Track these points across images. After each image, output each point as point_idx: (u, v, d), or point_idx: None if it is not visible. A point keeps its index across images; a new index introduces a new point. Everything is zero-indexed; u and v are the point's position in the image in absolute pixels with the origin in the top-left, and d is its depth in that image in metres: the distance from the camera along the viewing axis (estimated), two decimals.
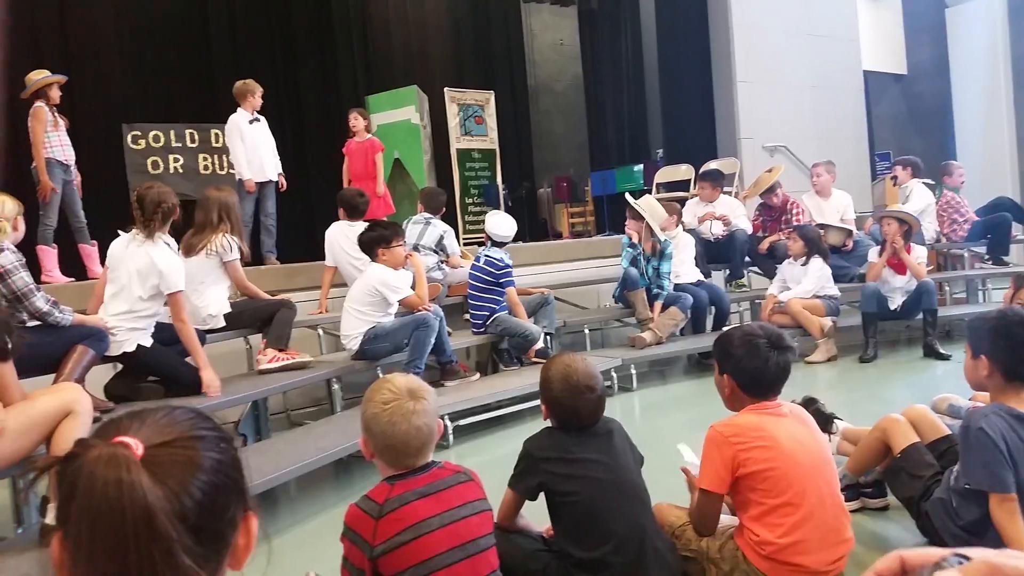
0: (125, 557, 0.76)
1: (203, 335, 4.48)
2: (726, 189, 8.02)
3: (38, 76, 5.91)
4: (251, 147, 6.51)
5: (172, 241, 4.13)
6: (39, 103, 5.83)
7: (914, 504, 2.76)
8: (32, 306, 3.53)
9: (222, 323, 4.67)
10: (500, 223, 5.94)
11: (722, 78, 10.35)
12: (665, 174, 9.59)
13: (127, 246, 4.01)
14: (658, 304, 6.27)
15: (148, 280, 3.94)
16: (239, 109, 6.53)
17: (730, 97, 10.20)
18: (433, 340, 4.93)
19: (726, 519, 2.56)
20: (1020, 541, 2.30)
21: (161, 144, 8.28)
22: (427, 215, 6.40)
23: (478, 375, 5.49)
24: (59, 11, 7.90)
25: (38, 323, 3.59)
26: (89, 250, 5.99)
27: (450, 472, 2.08)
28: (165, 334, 4.15)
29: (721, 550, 2.47)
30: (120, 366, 4.11)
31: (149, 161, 8.23)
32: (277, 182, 6.71)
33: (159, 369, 4.09)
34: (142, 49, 8.36)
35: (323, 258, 5.92)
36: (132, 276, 3.94)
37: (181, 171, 8.38)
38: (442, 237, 6.28)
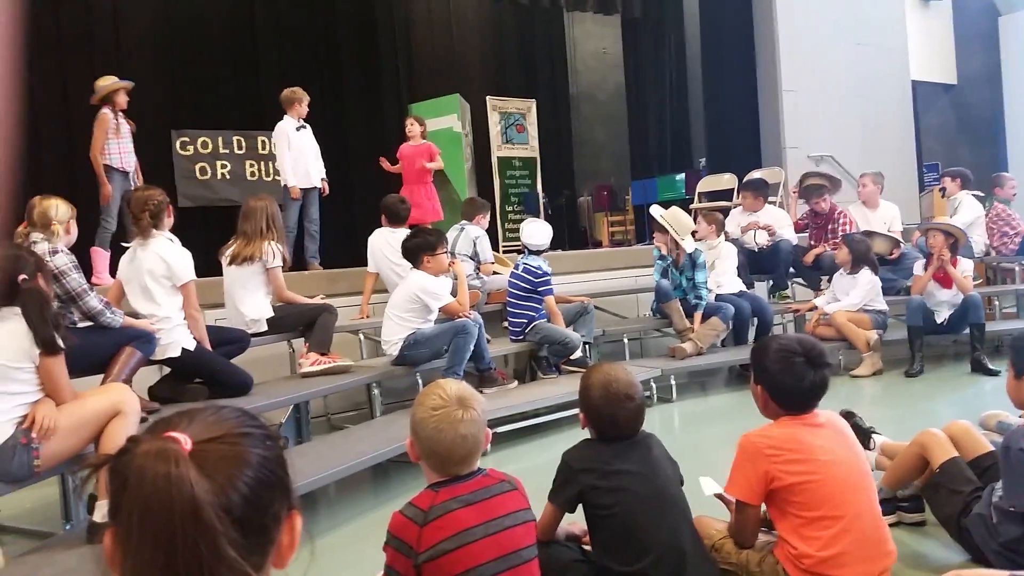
0: (173, 548, 0.79)
1: (247, 338, 4.56)
2: (771, 199, 7.92)
3: (105, 83, 6.10)
4: (297, 154, 6.61)
5: (174, 237, 4.18)
6: (105, 109, 6.03)
7: (953, 521, 2.70)
8: (86, 306, 3.63)
9: (264, 327, 4.75)
10: (534, 231, 5.95)
11: (767, 86, 10.25)
12: (708, 183, 9.51)
13: (134, 254, 4.11)
14: (698, 315, 6.22)
15: (160, 276, 4.02)
16: (286, 116, 6.65)
17: (775, 106, 10.09)
18: (472, 347, 4.96)
19: (765, 535, 2.54)
20: None
21: (209, 150, 8.46)
22: (464, 222, 6.44)
23: (516, 383, 5.49)
24: (112, 18, 8.11)
25: (88, 324, 3.69)
26: None
27: (495, 480, 2.07)
28: (210, 338, 4.24)
29: (761, 564, 2.45)
30: (166, 369, 4.20)
31: (197, 167, 8.40)
32: (320, 188, 6.80)
33: (204, 372, 4.17)
34: (191, 56, 8.54)
35: (365, 264, 5.98)
36: (146, 278, 4.02)
37: (228, 177, 8.55)
38: (475, 243, 6.30)
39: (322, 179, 6.82)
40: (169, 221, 4.20)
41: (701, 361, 6.09)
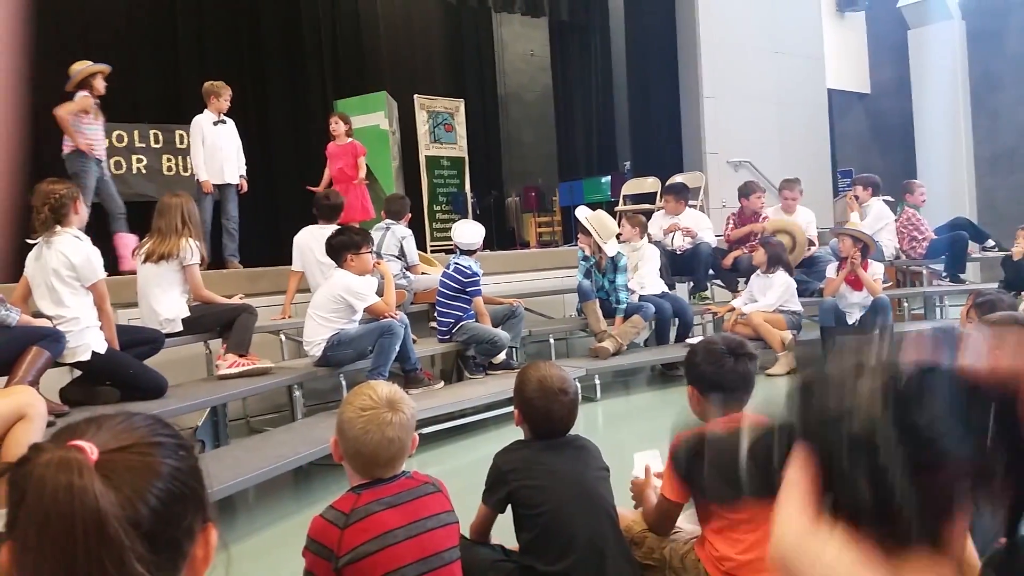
0: (74, 564, 0.75)
1: (161, 339, 4.42)
2: (691, 203, 8.10)
3: (81, 66, 5.87)
4: (211, 149, 6.44)
5: (82, 234, 4.01)
6: (83, 93, 5.82)
7: None
8: None
9: (179, 327, 4.62)
10: (465, 231, 5.95)
11: (689, 93, 10.47)
12: (632, 186, 9.67)
13: (40, 252, 3.93)
14: (619, 318, 6.32)
15: (66, 276, 3.85)
16: (205, 110, 6.48)
17: (697, 112, 10.33)
18: (398, 347, 4.92)
19: (690, 527, 2.58)
20: None
21: (125, 144, 8.16)
22: (388, 221, 6.36)
23: (442, 383, 5.48)
24: (25, 6, 7.74)
25: None
26: (128, 240, 5.89)
27: (418, 483, 2.06)
28: (121, 338, 4.09)
29: (683, 560, 2.48)
30: (77, 371, 4.03)
31: (112, 161, 8.10)
32: (238, 186, 6.64)
33: (117, 374, 4.02)
34: (108, 48, 8.22)
35: (288, 262, 5.86)
36: (52, 278, 3.85)
37: (144, 172, 8.27)
38: (402, 243, 6.25)
39: (241, 176, 6.66)
40: (78, 218, 4.01)
41: (624, 361, 6.19)
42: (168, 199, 4.72)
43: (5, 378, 3.50)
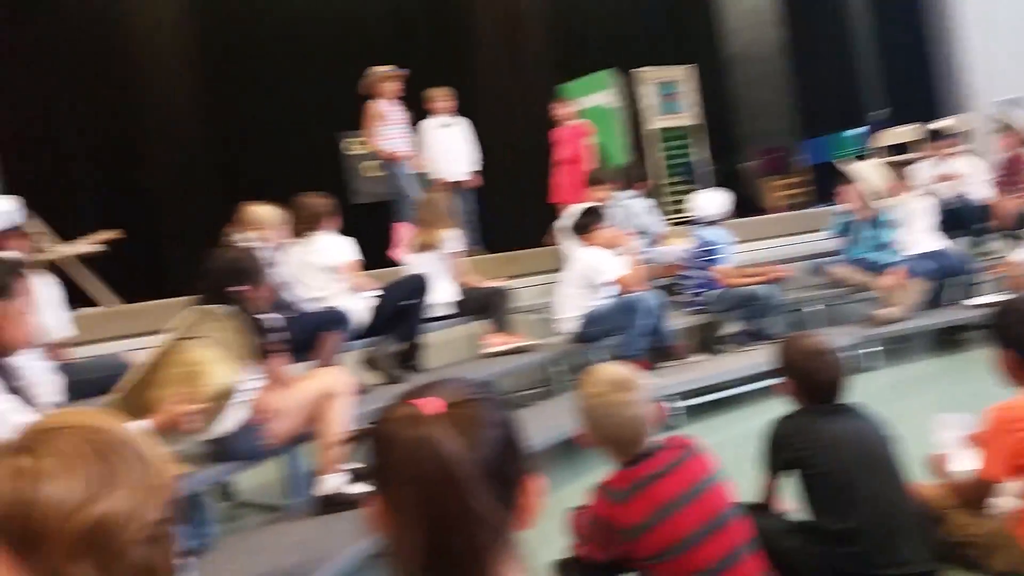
0: (432, 502, 0.89)
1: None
2: (963, 148, 7.31)
3: (378, 72, 6.23)
4: (434, 147, 6.70)
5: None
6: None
7: None
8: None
9: (452, 310, 4.99)
10: (703, 202, 5.84)
11: (943, 28, 9.37)
12: (887, 137, 8.94)
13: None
14: (895, 273, 5.75)
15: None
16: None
17: (955, 49, 9.22)
18: (648, 322, 4.91)
19: (1003, 502, 2.41)
20: None
21: None
22: (625, 195, 6.23)
23: (698, 356, 5.41)
24: None
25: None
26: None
27: (679, 448, 2.14)
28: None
29: (996, 537, 2.35)
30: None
31: None
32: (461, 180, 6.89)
33: None
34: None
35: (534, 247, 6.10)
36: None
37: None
38: (643, 217, 6.17)
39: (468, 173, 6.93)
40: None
41: (899, 326, 5.63)
42: (431, 193, 5.16)
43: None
